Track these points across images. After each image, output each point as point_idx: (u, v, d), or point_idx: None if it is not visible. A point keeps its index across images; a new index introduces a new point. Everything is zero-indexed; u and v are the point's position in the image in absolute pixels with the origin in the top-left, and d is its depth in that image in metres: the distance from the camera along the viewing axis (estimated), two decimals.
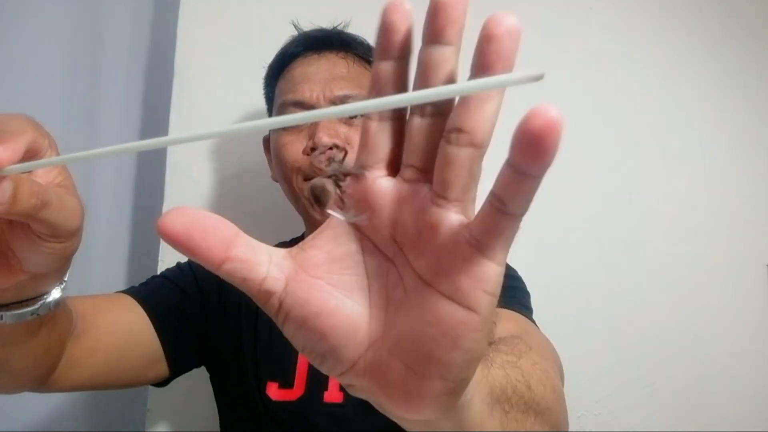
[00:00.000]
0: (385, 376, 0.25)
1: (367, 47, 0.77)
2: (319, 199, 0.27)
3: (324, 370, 0.27)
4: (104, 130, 1.02)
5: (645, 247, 1.02)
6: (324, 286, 0.26)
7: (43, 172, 0.34)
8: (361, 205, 0.27)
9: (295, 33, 0.80)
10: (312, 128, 0.71)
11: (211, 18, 1.01)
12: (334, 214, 0.27)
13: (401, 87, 0.26)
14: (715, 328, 1.01)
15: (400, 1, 0.24)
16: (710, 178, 1.05)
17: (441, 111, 0.25)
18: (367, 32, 0.77)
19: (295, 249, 0.27)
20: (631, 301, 1.01)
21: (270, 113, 0.82)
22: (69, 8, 0.99)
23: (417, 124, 0.25)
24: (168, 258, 0.91)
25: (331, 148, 0.68)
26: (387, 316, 0.26)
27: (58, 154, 0.33)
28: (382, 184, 0.26)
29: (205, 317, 0.75)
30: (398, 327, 0.26)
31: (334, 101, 0.71)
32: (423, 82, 0.25)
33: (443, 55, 0.24)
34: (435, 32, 0.24)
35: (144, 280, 0.76)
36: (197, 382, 0.82)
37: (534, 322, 0.68)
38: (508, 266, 0.24)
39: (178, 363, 0.72)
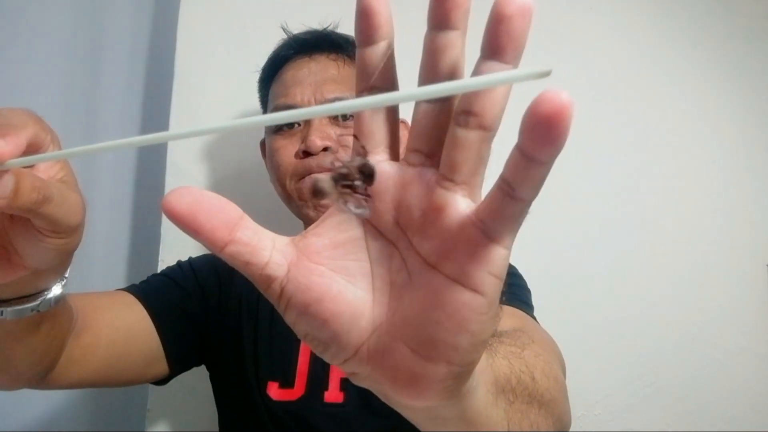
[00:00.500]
0: (390, 361, 0.25)
1: None
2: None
3: (327, 358, 0.27)
4: (104, 131, 1.01)
5: (645, 247, 1.02)
6: (326, 272, 0.26)
7: (45, 167, 0.34)
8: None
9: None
10: (304, 132, 0.71)
11: (211, 18, 1.01)
12: (337, 205, 0.26)
13: (388, 72, 0.26)
14: (716, 328, 1.01)
15: None
16: (710, 177, 1.05)
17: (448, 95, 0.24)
18: None
19: (298, 236, 0.27)
20: (631, 301, 1.01)
21: None
22: (69, 8, 0.99)
23: (423, 109, 0.25)
24: (168, 257, 0.91)
25: (324, 150, 0.69)
26: (391, 301, 0.26)
27: (60, 149, 0.33)
28: (384, 168, 0.26)
29: (205, 316, 0.75)
30: (402, 311, 0.25)
31: (325, 104, 0.71)
32: (429, 67, 0.24)
33: (449, 39, 0.23)
34: (440, 17, 0.23)
35: (144, 279, 0.76)
36: (197, 382, 0.82)
37: (535, 319, 0.68)
38: (509, 264, 0.24)
39: (178, 361, 0.72)
